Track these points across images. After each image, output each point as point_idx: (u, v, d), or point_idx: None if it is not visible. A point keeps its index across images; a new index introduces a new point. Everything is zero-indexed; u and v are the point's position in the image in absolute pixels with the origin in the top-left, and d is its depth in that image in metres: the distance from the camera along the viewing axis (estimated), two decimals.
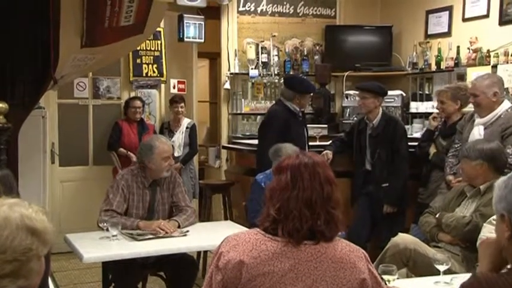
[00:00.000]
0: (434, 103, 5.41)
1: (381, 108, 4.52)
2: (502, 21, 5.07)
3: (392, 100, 5.73)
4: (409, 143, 4.62)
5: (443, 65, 5.59)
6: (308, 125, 5.90)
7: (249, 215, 3.74)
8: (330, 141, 4.92)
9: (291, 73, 6.11)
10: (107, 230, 3.08)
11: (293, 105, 4.35)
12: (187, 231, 3.27)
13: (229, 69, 6.10)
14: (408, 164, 4.42)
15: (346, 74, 6.20)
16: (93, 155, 5.68)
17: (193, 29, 5.73)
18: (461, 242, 3.07)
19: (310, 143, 5.31)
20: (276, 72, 6.07)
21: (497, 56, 4.96)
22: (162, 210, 3.44)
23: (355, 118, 5.39)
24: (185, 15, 5.69)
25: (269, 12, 6.25)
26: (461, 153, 3.36)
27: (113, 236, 3.03)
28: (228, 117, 6.15)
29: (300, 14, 6.38)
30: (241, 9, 6.14)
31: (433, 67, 5.74)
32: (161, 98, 5.98)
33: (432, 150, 4.31)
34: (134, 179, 3.38)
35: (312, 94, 4.73)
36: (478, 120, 3.75)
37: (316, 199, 1.71)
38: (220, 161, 6.24)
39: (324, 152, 4.57)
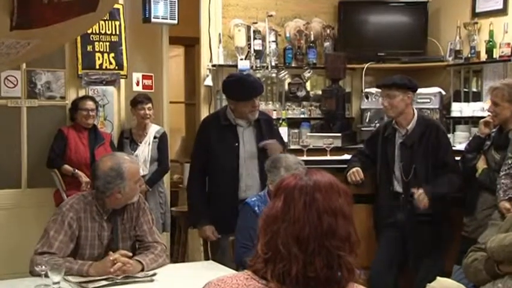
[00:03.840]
0: (485, 104, 5.43)
1: (414, 109, 4.54)
2: None
3: (428, 100, 5.74)
4: None
5: (496, 54, 5.62)
6: (316, 134, 5.99)
7: (236, 251, 3.73)
8: (351, 156, 4.92)
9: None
10: (46, 275, 3.04)
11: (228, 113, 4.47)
12: (154, 274, 3.24)
13: (211, 60, 6.10)
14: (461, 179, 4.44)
15: (366, 66, 6.22)
16: (27, 174, 5.64)
17: (163, 7, 5.72)
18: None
19: (319, 158, 5.33)
20: (273, 64, 6.07)
21: None
22: (124, 248, 3.41)
23: (378, 124, 5.41)
24: None
25: None
26: None
27: (54, 283, 2.99)
28: None
29: None
30: None
31: (483, 56, 5.77)
32: (120, 98, 5.97)
33: (481, 165, 4.31)
34: (88, 209, 3.34)
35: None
36: None
37: (309, 235, 1.69)
38: None
39: (353, 171, 4.58)
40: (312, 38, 6.28)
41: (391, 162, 4.54)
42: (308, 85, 6.49)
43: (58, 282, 2.99)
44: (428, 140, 4.43)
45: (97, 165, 3.40)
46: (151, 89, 6.05)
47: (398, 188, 4.52)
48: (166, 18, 5.77)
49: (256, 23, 6.12)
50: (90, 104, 5.47)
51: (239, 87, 4.39)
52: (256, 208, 3.70)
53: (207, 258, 4.61)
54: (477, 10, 5.93)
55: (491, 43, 5.65)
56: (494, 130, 4.36)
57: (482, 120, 4.45)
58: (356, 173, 4.58)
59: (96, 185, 3.33)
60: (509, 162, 3.96)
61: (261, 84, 4.61)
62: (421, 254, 4.42)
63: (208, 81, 6.07)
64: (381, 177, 4.63)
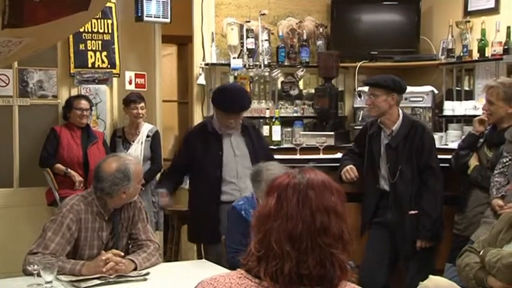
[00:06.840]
0: (477, 103, 5.44)
1: (400, 110, 4.54)
2: None
3: (421, 99, 5.76)
4: (444, 156, 4.63)
5: (488, 52, 5.62)
6: (309, 132, 5.99)
7: (227, 252, 3.73)
8: (342, 155, 4.93)
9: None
10: (38, 275, 3.03)
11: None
12: (148, 273, 3.23)
13: (204, 59, 6.09)
14: (443, 183, 4.44)
15: (358, 64, 6.22)
16: (19, 174, 5.63)
17: (155, 5, 5.71)
18: None
19: (312, 157, 5.33)
20: (266, 63, 6.06)
21: None
22: (120, 247, 3.40)
23: None
24: None
25: None
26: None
27: (47, 283, 2.98)
28: None
29: None
30: None
31: (475, 55, 5.77)
32: (113, 97, 5.96)
33: (473, 162, 4.31)
34: (89, 210, 3.32)
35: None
36: None
37: (302, 232, 1.70)
38: None
39: (347, 168, 4.60)
40: (305, 37, 6.28)
41: (376, 161, 4.55)
42: (301, 84, 6.49)
43: (50, 282, 2.99)
44: (413, 140, 4.42)
45: (101, 167, 3.35)
46: (144, 87, 6.04)
47: (385, 186, 4.52)
48: (159, 17, 5.76)
49: (249, 21, 6.11)
50: (84, 104, 5.46)
51: (230, 100, 4.44)
52: (242, 212, 3.70)
53: (200, 257, 4.61)
54: (469, 9, 5.94)
55: (483, 42, 5.66)
56: (487, 128, 4.36)
57: (476, 118, 4.44)
58: (350, 171, 4.58)
59: (101, 186, 3.28)
60: (504, 161, 3.95)
61: (249, 98, 4.71)
62: (411, 253, 4.42)
63: (201, 80, 6.06)
64: (368, 175, 4.63)
